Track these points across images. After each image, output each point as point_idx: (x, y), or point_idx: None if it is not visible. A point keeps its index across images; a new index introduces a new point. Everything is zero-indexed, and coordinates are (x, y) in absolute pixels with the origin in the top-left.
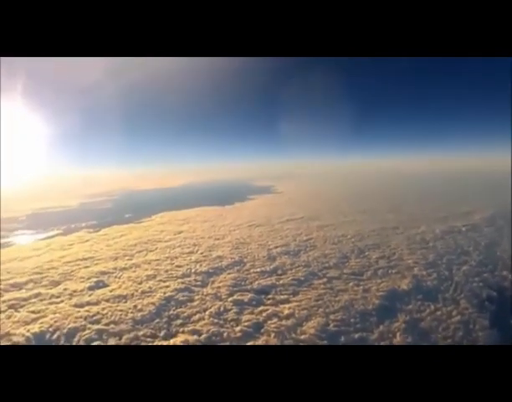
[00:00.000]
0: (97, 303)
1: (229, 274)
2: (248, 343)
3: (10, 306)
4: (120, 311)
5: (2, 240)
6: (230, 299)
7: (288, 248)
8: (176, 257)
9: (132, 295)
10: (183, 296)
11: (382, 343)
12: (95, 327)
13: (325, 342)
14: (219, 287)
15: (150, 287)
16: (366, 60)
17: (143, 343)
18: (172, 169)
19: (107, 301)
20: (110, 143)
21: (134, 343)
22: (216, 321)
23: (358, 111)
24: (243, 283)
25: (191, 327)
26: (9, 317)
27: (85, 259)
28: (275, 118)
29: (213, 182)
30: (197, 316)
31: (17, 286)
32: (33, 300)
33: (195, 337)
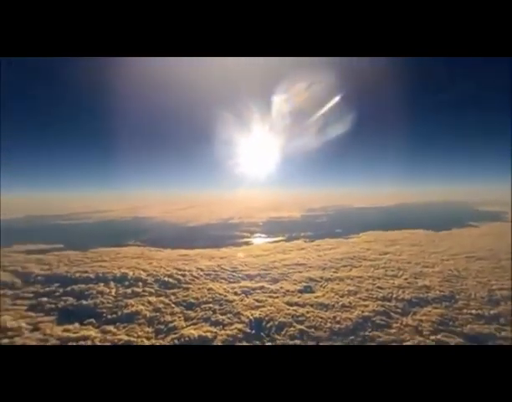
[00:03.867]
0: (303, 306)
1: (435, 308)
2: None
3: (243, 292)
4: (321, 318)
5: (246, 239)
6: (433, 337)
7: None
8: (379, 278)
9: (333, 306)
10: (381, 319)
11: None
12: (299, 326)
13: None
14: (422, 321)
15: (349, 302)
16: None
17: None
18: (389, 189)
19: (311, 305)
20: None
21: None
22: None
23: None
24: (451, 323)
25: None
26: (241, 300)
27: (300, 264)
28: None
29: (430, 203)
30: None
31: (249, 277)
32: (258, 291)
33: None
